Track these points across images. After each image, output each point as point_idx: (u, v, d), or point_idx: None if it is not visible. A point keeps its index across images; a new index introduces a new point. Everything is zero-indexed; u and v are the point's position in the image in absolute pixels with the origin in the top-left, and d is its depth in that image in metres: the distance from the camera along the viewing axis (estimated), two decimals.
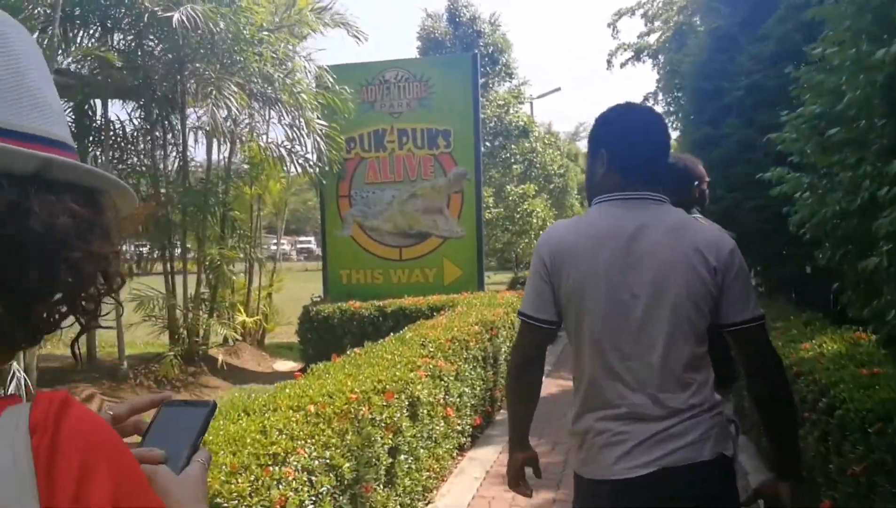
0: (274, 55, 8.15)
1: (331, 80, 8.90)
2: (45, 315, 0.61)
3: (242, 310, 9.54)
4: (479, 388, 4.95)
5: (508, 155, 15.12)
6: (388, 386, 3.27)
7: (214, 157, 8.94)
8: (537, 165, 15.71)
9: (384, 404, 3.15)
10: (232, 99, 7.21)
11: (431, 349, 4.22)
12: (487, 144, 15.03)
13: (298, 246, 43.24)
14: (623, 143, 1.62)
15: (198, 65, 7.09)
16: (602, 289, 1.53)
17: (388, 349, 4.09)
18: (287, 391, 3.00)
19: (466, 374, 4.62)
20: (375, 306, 8.07)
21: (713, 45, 7.36)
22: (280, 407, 2.70)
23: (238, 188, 9.66)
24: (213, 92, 7.11)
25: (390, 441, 3.17)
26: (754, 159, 5.20)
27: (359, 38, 9.56)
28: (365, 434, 2.89)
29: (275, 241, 13.21)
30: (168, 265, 8.24)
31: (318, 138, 8.59)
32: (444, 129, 9.12)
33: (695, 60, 7.78)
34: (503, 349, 5.89)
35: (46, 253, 0.57)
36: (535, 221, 13.94)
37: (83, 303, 0.63)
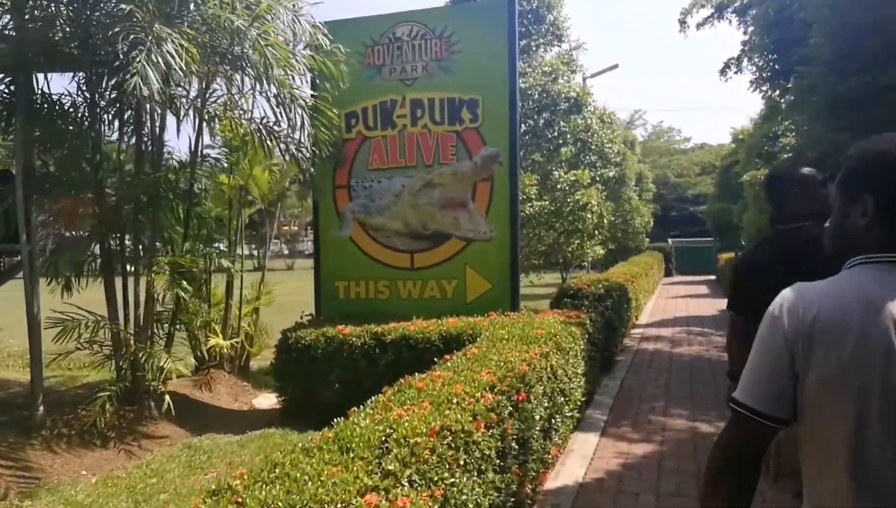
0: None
1: (323, 38, 7.05)
2: None
3: (218, 331, 7.81)
4: None
5: (556, 134, 12.92)
6: None
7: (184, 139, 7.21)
8: (593, 147, 13.45)
9: None
10: (175, 55, 5.41)
11: (395, 466, 2.29)
12: (530, 121, 12.85)
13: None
14: None
15: (123, 6, 5.34)
16: (878, 376, 1.21)
17: (295, 466, 2.20)
18: None
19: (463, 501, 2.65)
20: (371, 333, 6.19)
21: None
22: None
23: (214, 177, 7.92)
24: (149, 44, 5.32)
25: None
26: None
27: None
28: None
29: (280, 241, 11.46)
30: (118, 274, 6.56)
31: (302, 112, 6.74)
32: (470, 98, 7.15)
33: None
34: (536, 425, 3.93)
35: None
36: (589, 216, 11.72)
37: None
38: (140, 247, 6.86)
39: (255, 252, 25.98)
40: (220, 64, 6.48)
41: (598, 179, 13.38)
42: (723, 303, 5.67)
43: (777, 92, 13.04)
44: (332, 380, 6.18)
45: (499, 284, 7.05)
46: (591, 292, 8.31)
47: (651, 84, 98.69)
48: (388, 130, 7.42)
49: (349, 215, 7.55)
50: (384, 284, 7.41)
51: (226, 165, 7.97)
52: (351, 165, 7.55)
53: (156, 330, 6.91)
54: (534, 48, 13.07)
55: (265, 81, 6.49)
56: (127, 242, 6.86)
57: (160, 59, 5.33)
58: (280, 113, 6.89)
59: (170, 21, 5.74)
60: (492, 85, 7.09)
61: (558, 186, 11.89)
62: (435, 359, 4.41)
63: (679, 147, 57.59)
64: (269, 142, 7.13)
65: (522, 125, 12.62)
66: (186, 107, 7.14)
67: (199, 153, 7.29)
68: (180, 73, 5.56)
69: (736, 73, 13.49)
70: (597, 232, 12.73)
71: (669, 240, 36.89)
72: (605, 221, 12.91)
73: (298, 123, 6.92)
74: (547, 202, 11.79)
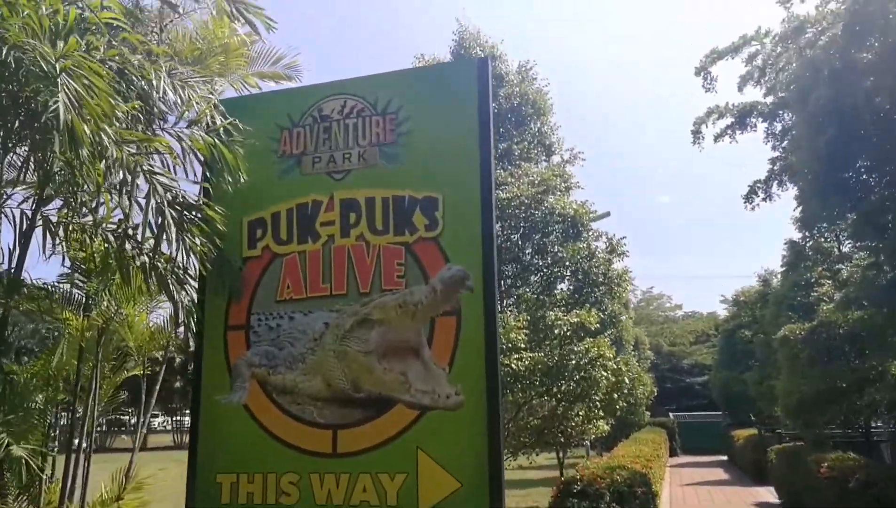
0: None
1: (216, 116, 5.08)
2: None
3: None
4: None
5: (550, 263, 10.69)
6: None
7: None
8: (599, 279, 11.18)
9: None
10: None
11: None
12: (514, 248, 10.65)
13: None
14: None
15: None
16: None
17: None
18: None
19: None
20: None
21: None
22: None
23: (53, 314, 5.57)
24: None
25: None
26: None
27: (269, 26, 5.85)
28: None
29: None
30: None
31: (168, 220, 4.56)
32: (425, 196, 5.01)
33: None
34: None
35: None
36: (603, 374, 9.12)
37: None
38: None
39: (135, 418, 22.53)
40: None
41: (608, 321, 10.88)
42: (757, 492, 3.17)
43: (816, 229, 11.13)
44: None
45: (472, 479, 4.48)
46: (607, 485, 5.72)
47: (641, 249, 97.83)
48: (307, 244, 5.20)
49: (244, 370, 5.11)
50: (291, 479, 4.81)
51: (78, 296, 5.65)
52: (252, 295, 5.24)
53: None
54: (516, 154, 11.29)
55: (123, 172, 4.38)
56: None
57: None
58: (149, 217, 4.69)
59: None
60: (456, 177, 5.00)
61: (555, 331, 9.43)
62: None
63: (670, 314, 56.64)
64: (130, 260, 4.88)
65: (503, 250, 10.40)
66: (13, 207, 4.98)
67: (16, 276, 4.99)
68: None
69: (764, 199, 11.69)
70: (616, 397, 10.05)
71: (671, 415, 34.14)
72: (627, 379, 10.17)
73: (173, 234, 4.73)
74: (542, 355, 9.23)
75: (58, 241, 5.11)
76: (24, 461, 5.53)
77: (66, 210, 5.07)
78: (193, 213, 5.07)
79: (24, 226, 5.04)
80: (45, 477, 5.54)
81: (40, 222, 5.13)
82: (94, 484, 5.81)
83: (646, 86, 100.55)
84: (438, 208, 4.96)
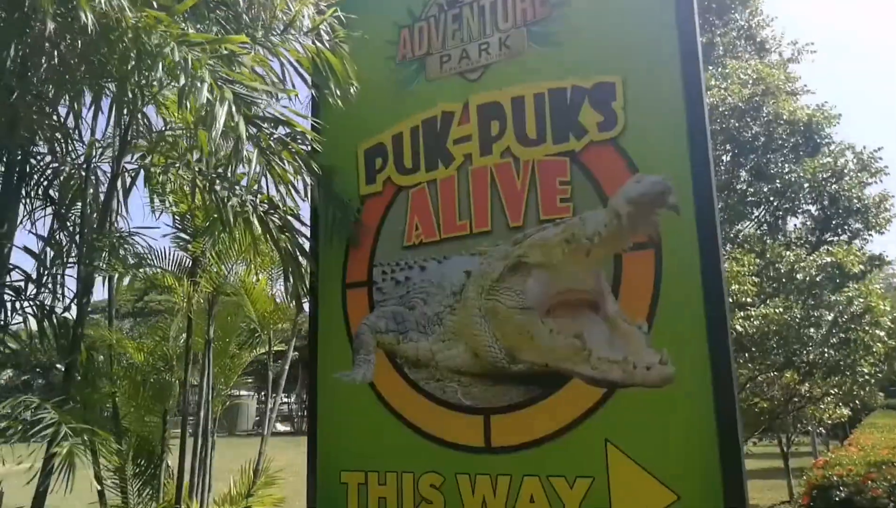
0: None
1: (317, 18, 4.02)
2: None
3: None
4: None
5: (779, 188, 8.38)
6: None
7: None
8: (850, 204, 8.70)
9: None
10: None
11: None
12: (718, 165, 8.46)
13: None
14: None
15: None
16: None
17: None
18: None
19: None
20: None
21: None
22: None
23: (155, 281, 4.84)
24: None
25: None
26: None
27: None
28: None
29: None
30: None
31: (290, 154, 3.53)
32: (596, 83, 3.57)
33: None
34: None
35: None
36: (872, 335, 6.83)
37: None
38: None
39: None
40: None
41: (867, 264, 8.26)
42: None
43: None
44: None
45: (693, 489, 3.01)
46: (886, 491, 3.96)
47: None
48: (437, 170, 3.97)
49: (368, 338, 4.00)
50: (433, 481, 3.63)
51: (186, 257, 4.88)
52: (374, 242, 4.12)
53: None
54: (720, 51, 9.05)
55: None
56: None
57: None
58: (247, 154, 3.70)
59: None
60: (641, 50, 3.50)
61: (796, 278, 7.27)
62: None
63: None
64: (223, 205, 3.95)
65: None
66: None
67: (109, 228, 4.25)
68: None
69: None
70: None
71: None
72: None
73: (288, 170, 3.73)
74: (777, 311, 7.09)
75: (150, 189, 4.31)
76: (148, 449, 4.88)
77: (152, 156, 4.26)
78: (297, 141, 4.04)
79: (114, 176, 4.28)
80: (166, 468, 4.93)
81: (132, 172, 4.36)
82: (219, 475, 5.13)
83: None
84: (616, 98, 3.50)
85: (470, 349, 3.64)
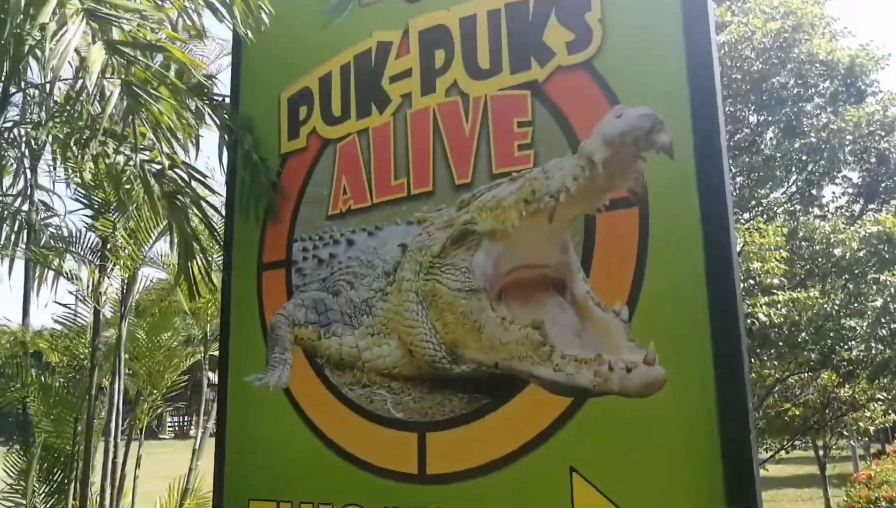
0: None
1: None
2: None
3: None
4: None
5: (814, 144, 7.18)
6: None
7: None
8: None
9: None
10: None
11: None
12: (739, 120, 7.24)
13: None
14: None
15: None
16: None
17: None
18: None
19: None
20: None
21: None
22: None
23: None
24: None
25: None
26: None
27: None
28: None
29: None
30: None
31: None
32: None
33: None
34: None
35: None
36: None
37: None
38: None
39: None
40: None
41: None
42: None
43: None
44: None
45: None
46: None
47: None
48: (371, 117, 3.15)
49: (284, 331, 3.20)
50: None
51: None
52: (294, 212, 3.32)
53: None
54: None
55: None
56: None
57: None
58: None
59: None
60: None
61: (835, 255, 6.16)
62: None
63: None
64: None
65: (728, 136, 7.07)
66: None
67: None
68: None
69: None
70: None
71: None
72: None
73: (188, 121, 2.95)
74: (811, 295, 5.96)
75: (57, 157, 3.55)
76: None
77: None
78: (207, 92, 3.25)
79: None
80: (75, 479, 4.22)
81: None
82: (147, 495, 4.40)
83: None
84: (591, 7, 2.64)
85: (403, 346, 2.82)
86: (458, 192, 2.80)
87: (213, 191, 3.43)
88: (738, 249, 5.43)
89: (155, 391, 4.98)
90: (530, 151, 2.67)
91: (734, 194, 5.96)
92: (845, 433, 9.07)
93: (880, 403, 7.02)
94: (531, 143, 2.68)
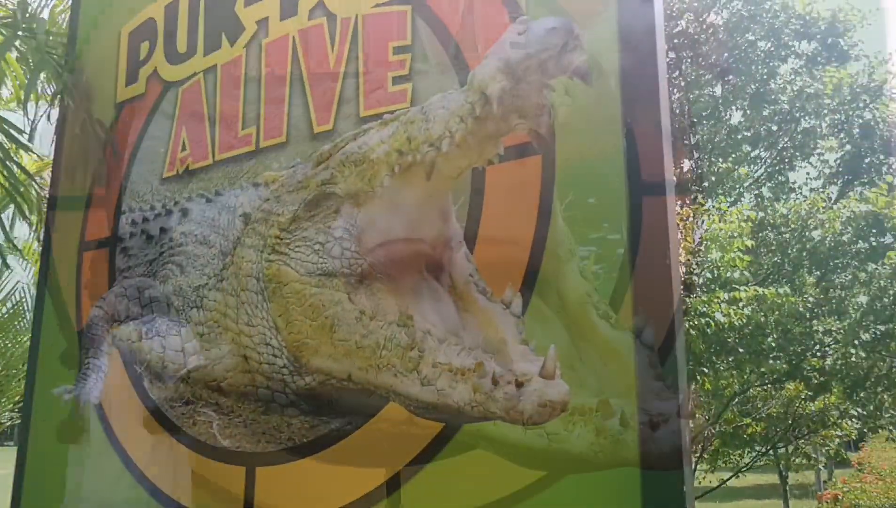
0: None
1: None
2: None
3: None
4: None
5: (788, 113, 6.25)
6: None
7: None
8: (890, 134, 6.58)
9: None
10: None
11: None
12: (699, 88, 6.21)
13: None
14: None
15: None
16: None
17: None
18: None
19: None
20: None
21: None
22: None
23: None
24: None
25: None
26: None
27: None
28: None
29: None
30: None
31: None
32: None
33: None
34: None
35: None
36: None
37: None
38: None
39: None
40: None
41: None
42: None
43: None
44: None
45: None
46: None
47: None
48: (220, 51, 2.45)
49: (101, 331, 2.47)
50: None
51: None
52: (124, 176, 2.60)
53: None
54: None
55: None
56: None
57: None
58: None
59: None
60: None
61: (812, 238, 5.36)
62: None
63: None
64: None
65: (685, 106, 6.15)
66: None
67: None
68: None
69: None
70: None
71: None
72: None
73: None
74: (778, 292, 5.21)
75: None
76: None
77: None
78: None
79: None
80: None
81: None
82: None
83: None
84: None
85: (238, 351, 2.11)
86: (317, 142, 2.12)
87: (28, 149, 2.69)
88: (698, 237, 4.72)
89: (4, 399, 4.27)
90: (407, 85, 2.00)
91: (692, 170, 5.19)
92: (811, 453, 8.42)
93: (855, 420, 6.35)
94: (409, 74, 2.01)
